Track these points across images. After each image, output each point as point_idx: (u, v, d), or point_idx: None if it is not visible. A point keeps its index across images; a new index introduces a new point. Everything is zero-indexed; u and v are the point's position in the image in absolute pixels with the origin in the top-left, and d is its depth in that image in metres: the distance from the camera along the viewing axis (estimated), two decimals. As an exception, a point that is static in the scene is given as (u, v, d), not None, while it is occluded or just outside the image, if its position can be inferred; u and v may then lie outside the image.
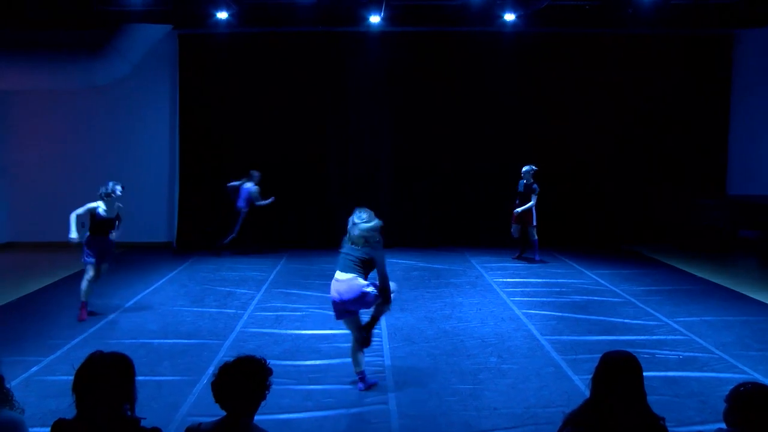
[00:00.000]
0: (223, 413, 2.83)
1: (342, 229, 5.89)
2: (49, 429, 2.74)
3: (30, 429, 2.87)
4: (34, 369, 6.15)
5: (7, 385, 2.90)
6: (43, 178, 13.08)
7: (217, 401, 2.84)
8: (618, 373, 2.93)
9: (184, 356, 6.60)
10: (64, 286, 9.73)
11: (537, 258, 11.44)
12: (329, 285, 5.78)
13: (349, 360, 6.43)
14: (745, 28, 12.92)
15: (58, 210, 13.02)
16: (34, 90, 12.77)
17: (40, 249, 12.67)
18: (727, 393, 2.88)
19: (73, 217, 7.76)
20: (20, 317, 8.06)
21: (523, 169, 11.34)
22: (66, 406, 2.81)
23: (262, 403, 2.87)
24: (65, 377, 4.92)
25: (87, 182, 12.98)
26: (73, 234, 7.72)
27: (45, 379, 5.90)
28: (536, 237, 11.41)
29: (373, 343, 6.99)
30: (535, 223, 11.34)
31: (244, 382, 2.81)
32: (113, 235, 8.12)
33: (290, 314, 8.16)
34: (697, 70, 13.09)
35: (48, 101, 12.93)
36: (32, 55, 12.05)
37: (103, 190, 7.91)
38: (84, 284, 7.90)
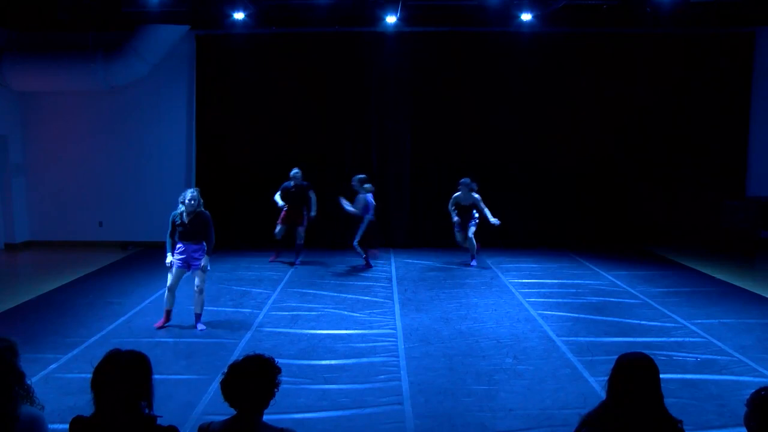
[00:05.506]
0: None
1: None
2: (67, 425, 2.77)
3: (49, 425, 2.90)
4: (53, 366, 6.23)
5: (28, 382, 2.93)
6: (62, 178, 13.20)
7: (226, 400, 2.87)
8: (634, 375, 2.91)
9: (199, 355, 6.65)
10: (82, 285, 9.82)
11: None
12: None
13: (365, 360, 6.49)
14: (766, 26, 12.74)
15: (77, 209, 13.27)
16: (54, 91, 12.90)
17: (58, 248, 12.82)
18: (747, 397, 2.81)
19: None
20: (39, 315, 8.15)
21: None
22: (84, 403, 2.83)
23: (278, 402, 2.88)
24: (83, 375, 4.97)
25: (105, 182, 13.23)
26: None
27: (63, 377, 5.97)
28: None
29: (389, 343, 7.04)
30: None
31: (252, 380, 2.83)
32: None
33: (306, 314, 8.18)
34: (717, 69, 12.89)
35: (66, 102, 13.04)
36: (51, 56, 12.19)
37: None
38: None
